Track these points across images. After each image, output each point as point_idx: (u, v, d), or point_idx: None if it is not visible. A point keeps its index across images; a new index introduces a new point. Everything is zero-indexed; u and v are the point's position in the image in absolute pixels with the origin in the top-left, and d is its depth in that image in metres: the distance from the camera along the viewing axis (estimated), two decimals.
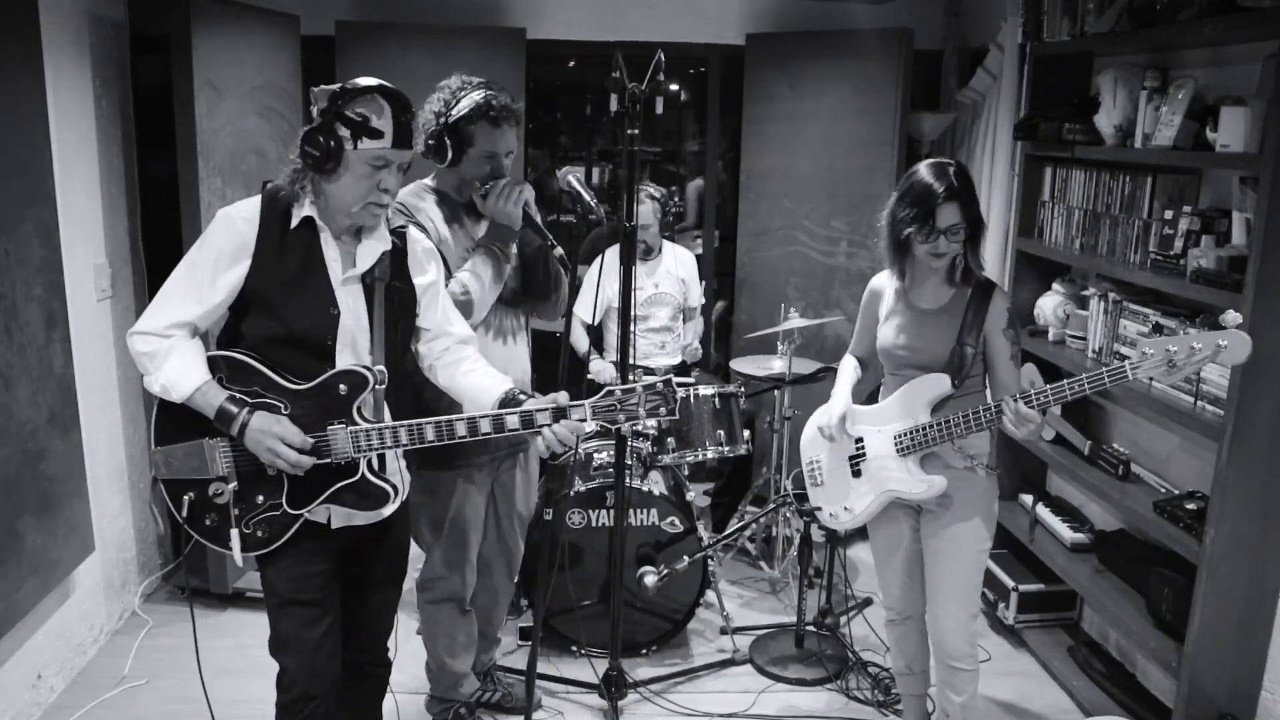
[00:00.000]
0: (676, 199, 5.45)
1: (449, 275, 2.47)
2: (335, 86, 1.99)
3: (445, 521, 2.69)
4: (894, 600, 2.71)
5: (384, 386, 2.08)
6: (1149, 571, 2.94)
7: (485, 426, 2.06)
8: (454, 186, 2.59)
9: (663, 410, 2.06)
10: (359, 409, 2.05)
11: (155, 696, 3.15)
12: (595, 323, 4.15)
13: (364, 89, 1.98)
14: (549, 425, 2.07)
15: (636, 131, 2.45)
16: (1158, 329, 2.84)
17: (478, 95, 2.46)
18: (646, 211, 4.06)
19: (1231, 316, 2.06)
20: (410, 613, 3.61)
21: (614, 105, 2.42)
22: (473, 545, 2.77)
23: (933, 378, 2.42)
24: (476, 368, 2.26)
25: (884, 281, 2.57)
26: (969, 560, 2.48)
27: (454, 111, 2.45)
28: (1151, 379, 2.16)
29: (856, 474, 2.58)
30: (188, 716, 2.98)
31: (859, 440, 2.56)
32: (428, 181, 2.63)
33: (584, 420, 2.08)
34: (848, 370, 2.68)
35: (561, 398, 2.08)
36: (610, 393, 2.06)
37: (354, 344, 2.09)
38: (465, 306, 2.44)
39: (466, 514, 2.72)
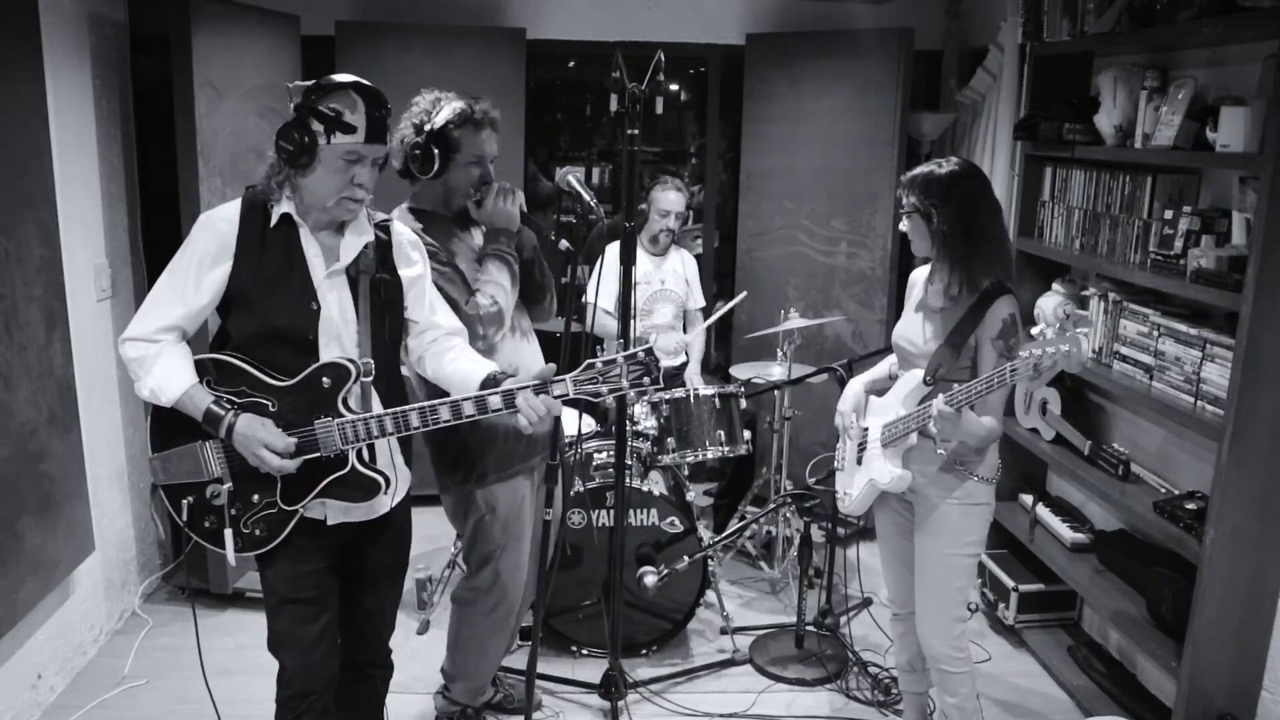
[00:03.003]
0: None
1: (465, 288, 2.48)
2: (310, 82, 2.01)
3: (509, 532, 2.68)
4: (895, 594, 2.74)
5: (370, 378, 2.09)
6: (1149, 571, 2.94)
7: (469, 409, 2.06)
8: (439, 200, 2.57)
9: (646, 380, 2.03)
10: (344, 401, 2.06)
11: (155, 696, 3.15)
12: (612, 309, 4.17)
13: (338, 85, 2.01)
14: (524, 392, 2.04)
15: (636, 131, 2.45)
16: (1157, 329, 2.85)
17: (457, 103, 2.47)
18: (676, 199, 4.09)
19: (1076, 314, 2.11)
20: (410, 613, 3.62)
21: (614, 105, 2.42)
22: (530, 552, 2.77)
23: (914, 373, 2.46)
24: (462, 355, 2.26)
25: (917, 276, 2.60)
26: (945, 563, 2.48)
27: (436, 120, 2.44)
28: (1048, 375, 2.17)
29: (859, 461, 2.62)
30: (188, 716, 2.99)
31: (866, 429, 2.60)
32: (405, 207, 2.59)
33: (565, 395, 2.04)
34: (882, 365, 2.71)
35: (547, 370, 2.07)
36: (591, 364, 2.05)
37: (340, 338, 2.10)
38: (497, 317, 2.47)
39: (525, 520, 2.73)
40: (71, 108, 3.16)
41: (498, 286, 2.50)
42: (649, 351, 2.03)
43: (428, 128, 2.44)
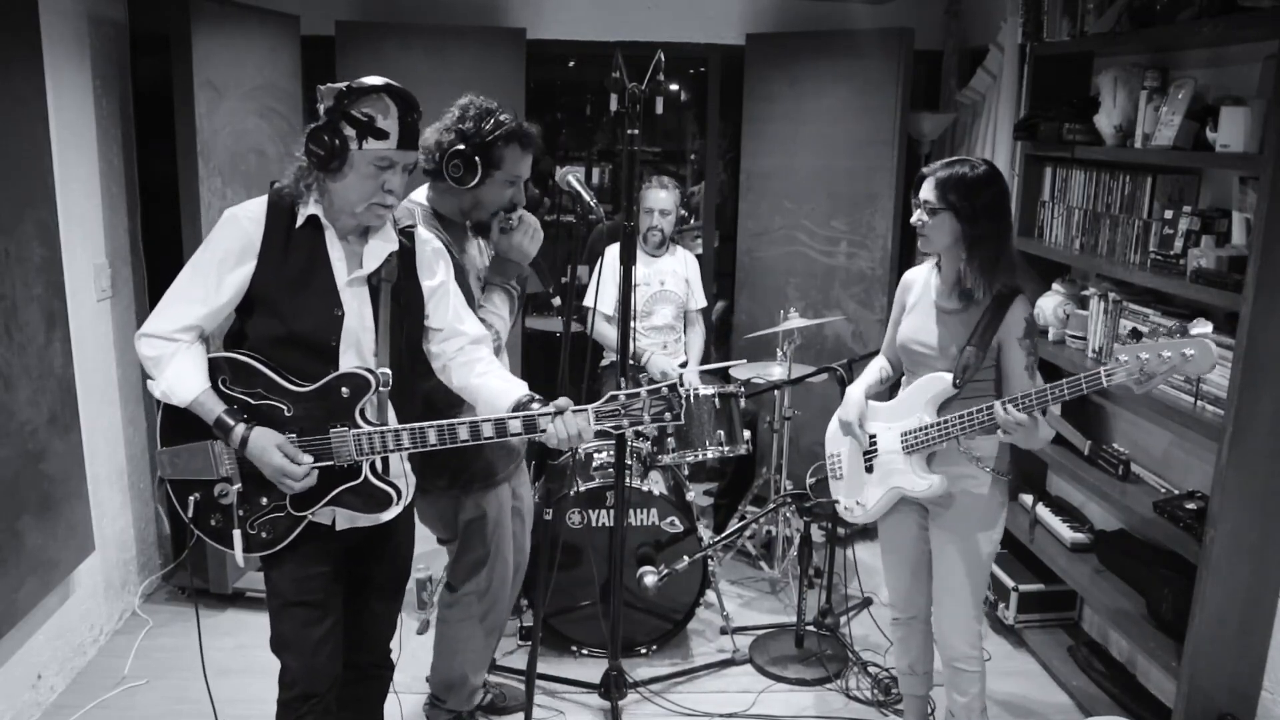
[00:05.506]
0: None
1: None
2: (342, 85, 1.97)
3: (496, 537, 2.69)
4: (899, 599, 2.71)
5: (388, 389, 2.07)
6: (1149, 571, 2.94)
7: (488, 430, 2.05)
8: (457, 209, 2.51)
9: (667, 415, 2.02)
10: (362, 411, 2.04)
11: (155, 696, 3.15)
12: (612, 313, 4.16)
13: (371, 88, 1.97)
14: (558, 416, 2.03)
15: (636, 131, 2.45)
16: (1156, 328, 2.84)
17: (507, 118, 2.41)
18: (662, 196, 4.08)
19: (1199, 325, 2.04)
20: (410, 613, 3.62)
21: (614, 105, 2.42)
22: (512, 555, 2.78)
23: (936, 376, 2.43)
24: (491, 370, 2.23)
25: (915, 276, 2.58)
26: (971, 563, 2.48)
27: (486, 131, 2.37)
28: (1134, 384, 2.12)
29: (869, 469, 2.59)
30: (188, 716, 2.99)
31: (873, 436, 2.57)
32: (421, 201, 2.53)
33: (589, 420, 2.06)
34: (873, 369, 2.69)
35: (562, 403, 2.06)
36: (614, 397, 2.04)
37: (358, 345, 2.08)
38: (495, 351, 2.44)
39: (508, 524, 2.74)
40: (71, 108, 3.16)
41: (498, 317, 2.51)
42: (672, 387, 2.03)
43: (475, 139, 2.36)
